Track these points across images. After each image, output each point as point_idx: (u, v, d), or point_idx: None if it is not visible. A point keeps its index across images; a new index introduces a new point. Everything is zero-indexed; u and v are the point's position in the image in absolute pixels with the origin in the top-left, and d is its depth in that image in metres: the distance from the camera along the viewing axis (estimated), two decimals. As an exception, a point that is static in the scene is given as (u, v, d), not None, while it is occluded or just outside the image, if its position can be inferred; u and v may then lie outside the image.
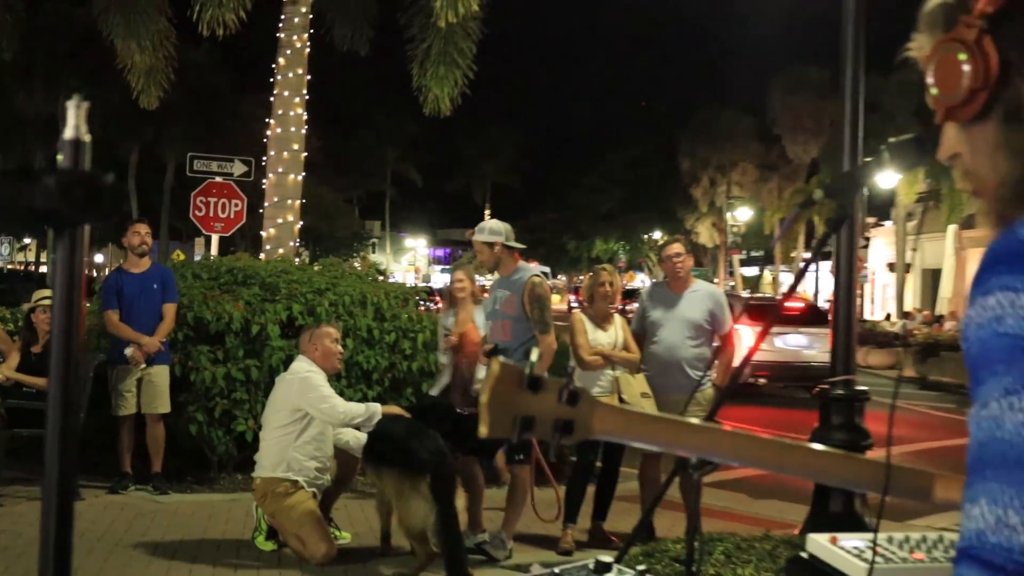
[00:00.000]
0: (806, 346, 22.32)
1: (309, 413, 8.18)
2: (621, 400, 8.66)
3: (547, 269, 73.49)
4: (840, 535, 2.80)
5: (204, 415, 10.48)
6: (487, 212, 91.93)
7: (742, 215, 60.64)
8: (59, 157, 1.21)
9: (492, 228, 8.78)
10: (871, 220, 50.38)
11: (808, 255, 54.51)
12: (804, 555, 2.83)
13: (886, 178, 39.53)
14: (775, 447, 2.39)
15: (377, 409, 8.34)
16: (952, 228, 45.05)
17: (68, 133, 1.18)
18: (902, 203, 46.50)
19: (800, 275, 3.36)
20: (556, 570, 2.95)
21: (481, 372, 8.82)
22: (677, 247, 9.37)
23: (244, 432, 10.35)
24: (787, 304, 23.21)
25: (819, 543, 2.80)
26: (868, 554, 2.68)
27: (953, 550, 2.93)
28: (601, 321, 9.12)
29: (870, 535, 2.82)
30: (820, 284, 46.87)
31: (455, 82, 17.66)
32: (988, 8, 1.60)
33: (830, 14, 8.13)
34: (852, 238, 8.22)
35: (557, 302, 60.86)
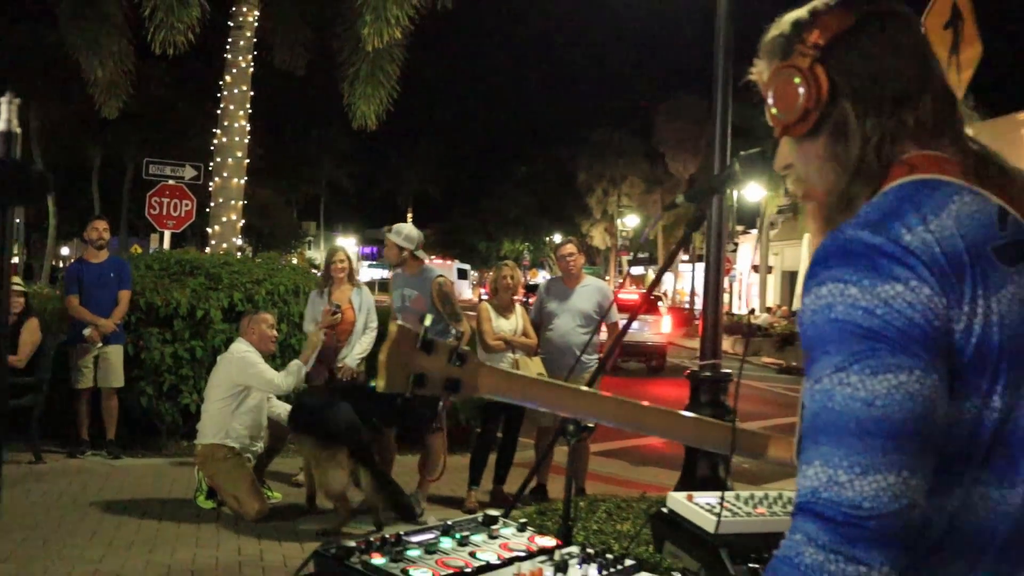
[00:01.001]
0: (639, 329, 23.96)
1: (248, 387, 8.24)
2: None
3: (467, 266, 73.43)
4: (696, 493, 2.82)
5: (153, 389, 10.53)
6: (409, 215, 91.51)
7: (630, 222, 61.22)
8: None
9: (407, 235, 8.78)
10: (740, 228, 51.04)
11: (686, 258, 55.08)
12: (665, 510, 2.85)
13: (752, 192, 40.06)
14: (635, 408, 2.42)
15: (299, 364, 8.45)
16: (807, 236, 45.42)
17: (0, 125, 1.15)
18: (766, 214, 47.05)
19: (660, 273, 3.43)
20: (449, 522, 2.95)
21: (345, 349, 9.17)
22: (570, 247, 9.46)
23: (188, 404, 10.38)
24: (620, 296, 25.81)
25: (678, 500, 2.82)
26: (718, 509, 2.72)
27: (791, 506, 2.98)
28: (504, 310, 9.17)
29: (722, 493, 2.86)
30: (695, 282, 47.29)
31: (381, 100, 17.60)
32: (820, 40, 1.66)
33: (706, 52, 8.24)
34: (720, 244, 8.29)
35: (474, 293, 60.81)
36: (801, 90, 1.66)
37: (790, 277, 51.89)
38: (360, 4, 15.96)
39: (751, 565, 2.61)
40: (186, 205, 17.33)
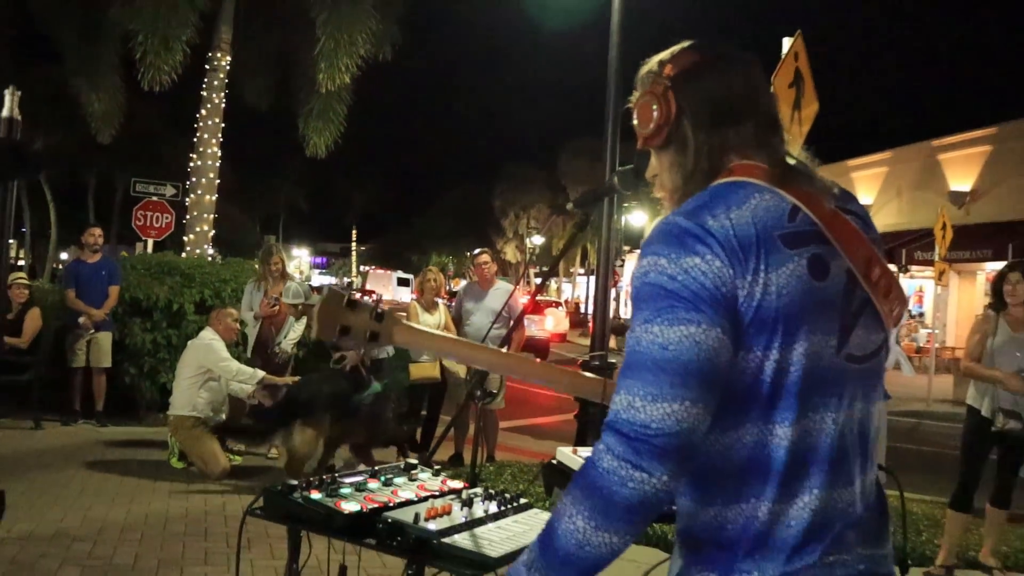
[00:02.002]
0: (527, 326, 24.46)
1: (211, 370, 8.20)
2: (442, 365, 8.92)
3: (409, 276, 73.09)
4: (581, 448, 2.88)
5: (136, 370, 10.47)
6: (354, 232, 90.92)
7: (537, 241, 61.39)
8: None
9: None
10: (627, 248, 51.42)
11: (583, 271, 55.28)
12: (554, 462, 2.90)
13: (637, 218, 40.45)
14: (518, 360, 2.51)
15: (260, 374, 8.36)
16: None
17: (4, 112, 1.17)
18: (648, 235, 47.52)
19: (547, 276, 3.53)
20: (375, 468, 2.99)
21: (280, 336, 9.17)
22: (485, 257, 9.57)
23: (165, 383, 10.21)
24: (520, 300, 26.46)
25: (565, 453, 2.87)
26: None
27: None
28: (429, 307, 9.25)
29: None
30: (589, 290, 47.53)
31: (331, 133, 17.56)
32: (671, 72, 1.79)
33: (600, 102, 8.37)
34: (608, 258, 8.41)
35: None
36: (656, 111, 1.79)
37: (666, 288, 52.24)
38: (316, 54, 15.98)
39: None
40: (166, 218, 17.13)
